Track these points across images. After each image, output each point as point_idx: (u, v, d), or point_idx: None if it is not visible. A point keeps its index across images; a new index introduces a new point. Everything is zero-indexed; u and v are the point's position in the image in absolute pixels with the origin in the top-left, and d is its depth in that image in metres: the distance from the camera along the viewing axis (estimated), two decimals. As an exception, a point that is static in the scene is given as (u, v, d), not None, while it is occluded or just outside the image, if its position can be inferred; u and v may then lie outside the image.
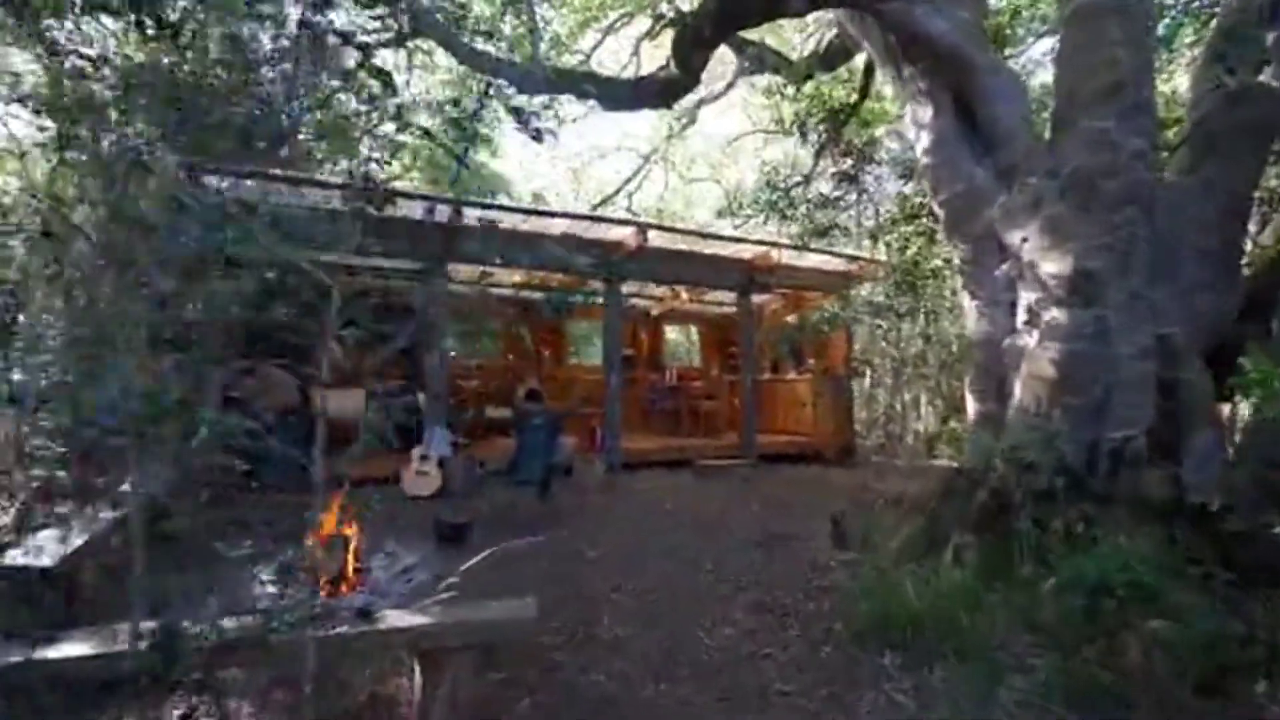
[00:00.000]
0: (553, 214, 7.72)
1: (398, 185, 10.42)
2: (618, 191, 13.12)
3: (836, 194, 5.69)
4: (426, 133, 8.41)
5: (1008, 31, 8.06)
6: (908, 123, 4.94)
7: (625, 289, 8.73)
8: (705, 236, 8.18)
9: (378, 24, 8.62)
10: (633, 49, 9.45)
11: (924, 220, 5.97)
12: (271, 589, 3.81)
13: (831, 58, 6.33)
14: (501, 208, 7.07)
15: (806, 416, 9.08)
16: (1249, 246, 4.65)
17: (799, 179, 7.12)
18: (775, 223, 7.80)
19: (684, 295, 10.62)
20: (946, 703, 2.52)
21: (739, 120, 13.61)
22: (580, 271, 7.96)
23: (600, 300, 7.97)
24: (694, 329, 13.48)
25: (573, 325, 11.70)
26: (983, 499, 3.52)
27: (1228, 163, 3.91)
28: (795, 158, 10.09)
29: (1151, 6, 4.46)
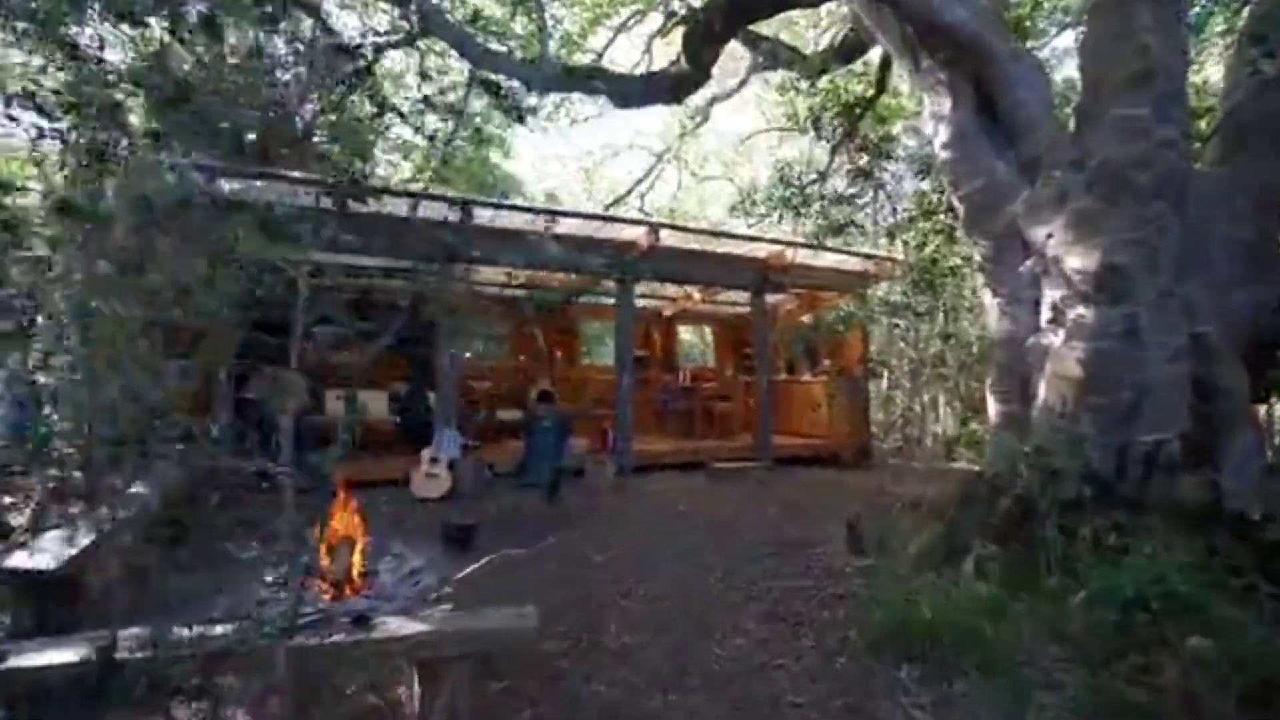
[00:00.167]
0: (563, 213, 7.66)
1: (412, 187, 10.46)
2: (630, 191, 13.04)
3: (852, 191, 5.54)
4: (432, 138, 8.41)
5: (1028, 24, 7.86)
6: (925, 116, 4.81)
7: (638, 289, 8.65)
8: (718, 235, 8.07)
9: (388, 25, 8.65)
10: (644, 47, 9.37)
11: (942, 217, 5.81)
12: (276, 593, 3.79)
13: (847, 51, 6.20)
14: (511, 207, 7.01)
15: (822, 418, 8.93)
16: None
17: (814, 176, 6.99)
18: (789, 221, 7.67)
19: (697, 295, 10.51)
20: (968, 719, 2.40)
21: (753, 118, 13.49)
22: (591, 272, 7.90)
23: (602, 299, 7.90)
24: (708, 330, 13.36)
25: (586, 326, 11.64)
26: (1006, 505, 3.38)
27: (1261, 153, 3.73)
28: (810, 155, 9.95)
29: (1183, -9, 4.28)
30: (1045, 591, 2.88)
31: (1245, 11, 4.63)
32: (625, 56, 11.18)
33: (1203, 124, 4.96)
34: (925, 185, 6.10)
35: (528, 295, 7.70)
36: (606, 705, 2.60)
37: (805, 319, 10.57)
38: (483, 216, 6.77)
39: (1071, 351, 3.45)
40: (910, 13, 4.21)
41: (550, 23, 7.57)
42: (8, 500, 5.10)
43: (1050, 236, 3.66)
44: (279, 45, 9.31)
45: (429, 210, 6.61)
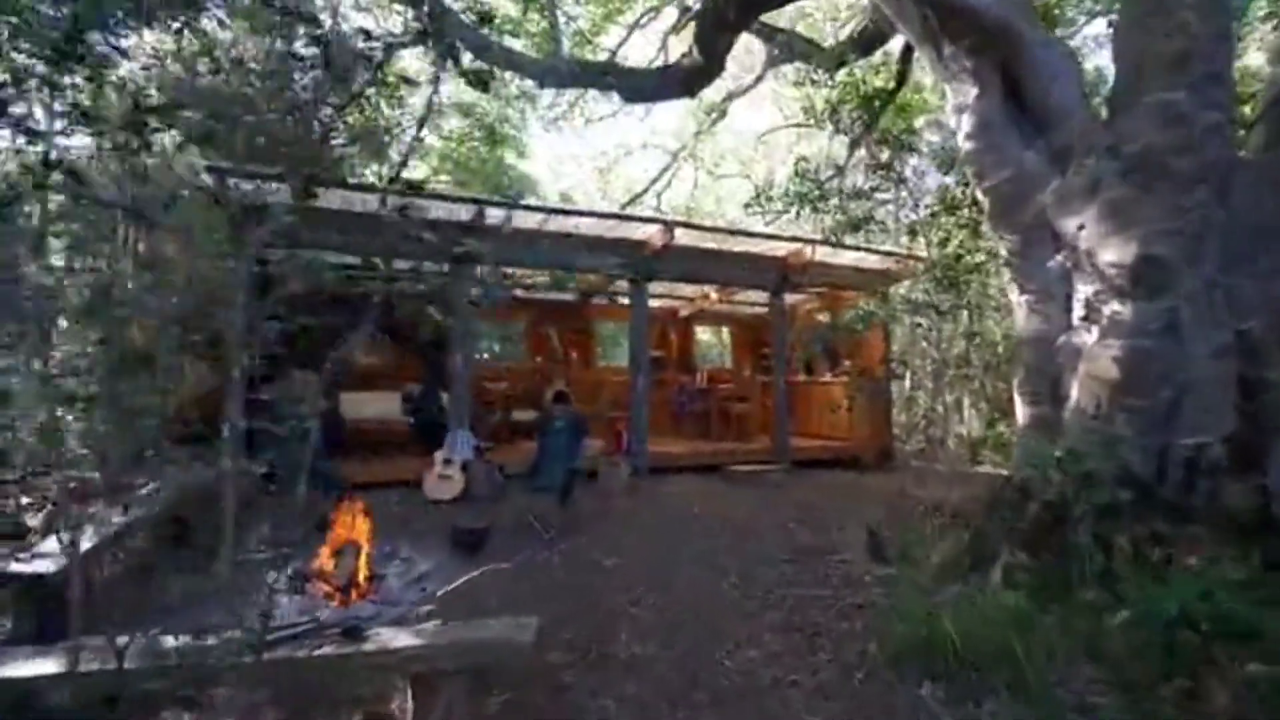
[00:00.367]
0: (577, 213, 7.57)
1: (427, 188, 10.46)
2: (646, 190, 12.91)
3: (871, 185, 5.36)
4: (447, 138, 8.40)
5: (1056, 12, 7.59)
6: (949, 107, 4.62)
7: (654, 289, 8.52)
8: (735, 234, 7.90)
9: (401, 26, 8.65)
10: (659, 44, 9.25)
11: (966, 211, 5.60)
12: (282, 597, 3.75)
13: (866, 42, 6.01)
14: (524, 207, 6.94)
15: (842, 420, 8.71)
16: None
17: (832, 171, 6.80)
18: (807, 217, 7.49)
19: (714, 295, 10.35)
20: (997, 744, 2.24)
21: (770, 114, 13.29)
22: (603, 271, 7.80)
23: (618, 299, 7.77)
24: (725, 330, 13.19)
25: (601, 326, 11.56)
26: (1035, 511, 3.20)
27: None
28: (829, 152, 9.74)
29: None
30: (1079, 605, 2.70)
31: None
32: (640, 55, 11.07)
33: (1246, 110, 4.69)
34: (949, 179, 5.89)
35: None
36: (611, 721, 2.49)
37: (824, 318, 10.36)
38: (495, 217, 6.71)
39: (1106, 350, 3.26)
40: (932, -2, 4.04)
41: (563, 20, 7.50)
42: (25, 500, 5.16)
43: (1082, 228, 3.46)
44: (297, 48, 9.38)
45: (440, 211, 6.56)
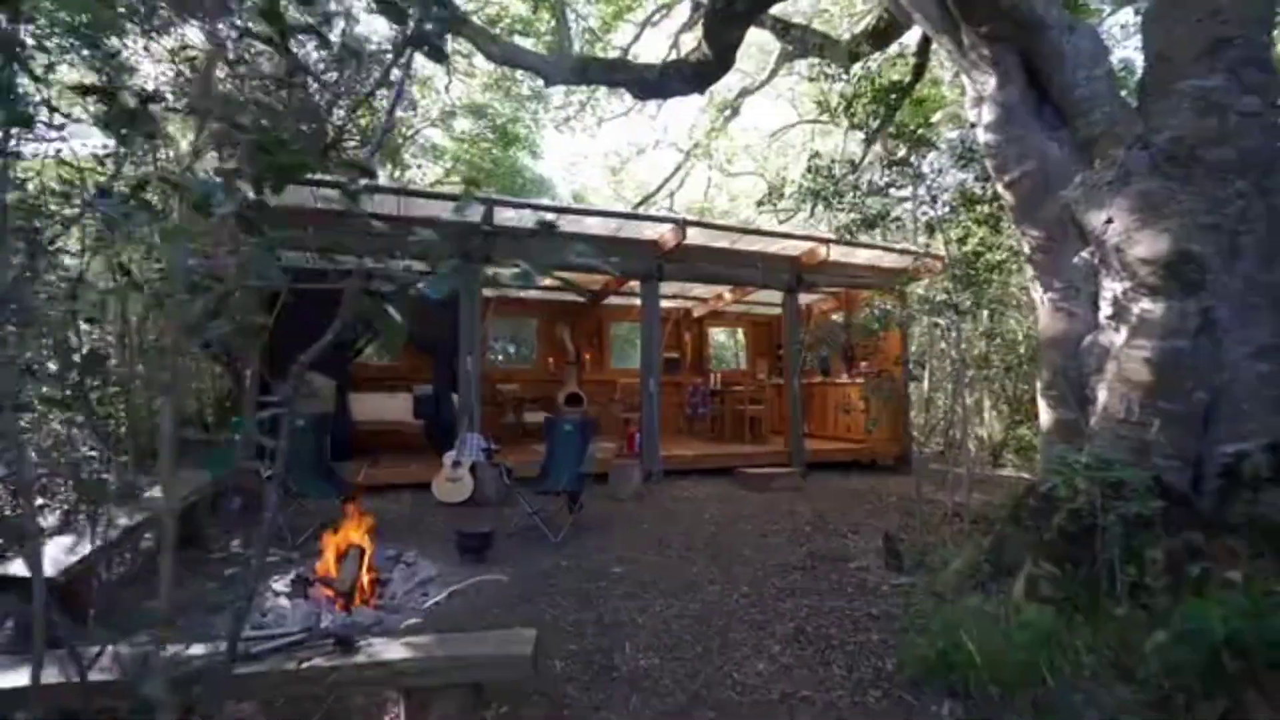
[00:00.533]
0: (587, 212, 7.49)
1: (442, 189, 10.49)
2: (659, 189, 12.81)
3: (888, 181, 5.21)
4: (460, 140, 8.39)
5: (1081, 1, 7.37)
6: (967, 100, 4.45)
7: (666, 289, 8.42)
8: (748, 232, 7.78)
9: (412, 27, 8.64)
10: (671, 42, 9.15)
11: (986, 207, 5.42)
12: (284, 601, 3.70)
13: (882, 35, 5.85)
14: (533, 206, 6.88)
15: (858, 422, 8.55)
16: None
17: (847, 166, 6.64)
18: (821, 214, 7.34)
19: (728, 295, 10.23)
20: (1021, 770, 2.10)
21: (785, 112, 13.13)
22: (611, 272, 7.71)
23: (631, 300, 7.67)
24: (740, 331, 13.05)
25: (615, 327, 11.48)
26: (1060, 521, 3.04)
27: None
28: (845, 149, 9.57)
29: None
30: (1109, 620, 2.55)
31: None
32: (652, 53, 10.99)
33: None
34: (968, 174, 5.72)
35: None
36: (612, 738, 2.39)
37: (840, 318, 10.18)
38: (506, 217, 6.65)
39: (1137, 351, 3.09)
40: (950, -16, 3.88)
41: (572, 18, 7.42)
42: (40, 502, 5.18)
43: (1110, 222, 3.29)
44: (310, 51, 9.45)
45: (449, 212, 6.52)
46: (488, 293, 8.20)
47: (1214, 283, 3.01)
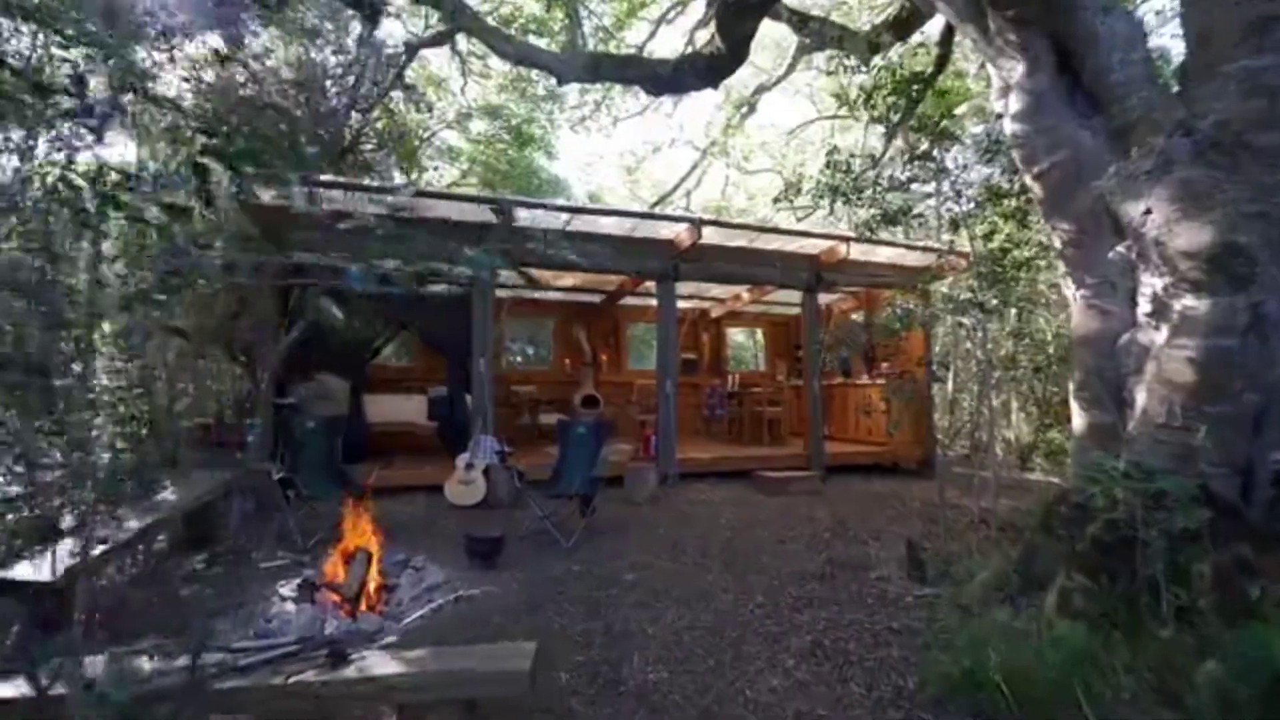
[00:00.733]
0: (602, 211, 7.40)
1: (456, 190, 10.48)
2: (675, 189, 12.68)
3: (909, 176, 5.01)
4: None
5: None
6: (993, 90, 4.26)
7: (683, 290, 8.30)
8: (765, 231, 7.62)
9: (423, 27, 8.64)
10: (686, 40, 9.03)
11: (1013, 201, 5.20)
12: (290, 606, 3.65)
13: (903, 25, 5.67)
14: (547, 205, 6.80)
15: (879, 424, 8.33)
16: None
17: (867, 161, 6.46)
18: (840, 212, 7.15)
19: (746, 296, 10.06)
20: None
21: (803, 108, 12.92)
22: (626, 272, 7.62)
23: (649, 300, 7.56)
24: (759, 331, 12.87)
25: (632, 328, 11.39)
26: (1095, 531, 2.86)
27: None
28: (865, 144, 9.35)
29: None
30: (1152, 641, 2.37)
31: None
32: (667, 52, 10.87)
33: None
34: (993, 169, 5.50)
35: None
36: (616, 758, 2.28)
37: (860, 318, 9.95)
38: (520, 218, 6.59)
39: (1180, 350, 2.89)
40: (975, -33, 3.71)
41: (586, 16, 7.34)
42: (56, 502, 5.23)
43: (1149, 213, 3.09)
44: (327, 56, 9.53)
45: (467, 213, 6.47)
46: (502, 293, 8.16)
47: (1263, 276, 2.80)
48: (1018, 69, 3.84)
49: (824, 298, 9.25)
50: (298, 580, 3.76)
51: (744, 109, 10.08)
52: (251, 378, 6.66)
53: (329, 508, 4.78)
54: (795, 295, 8.24)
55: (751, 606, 3.58)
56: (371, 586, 3.69)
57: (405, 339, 9.22)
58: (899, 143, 6.93)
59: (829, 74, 7.12)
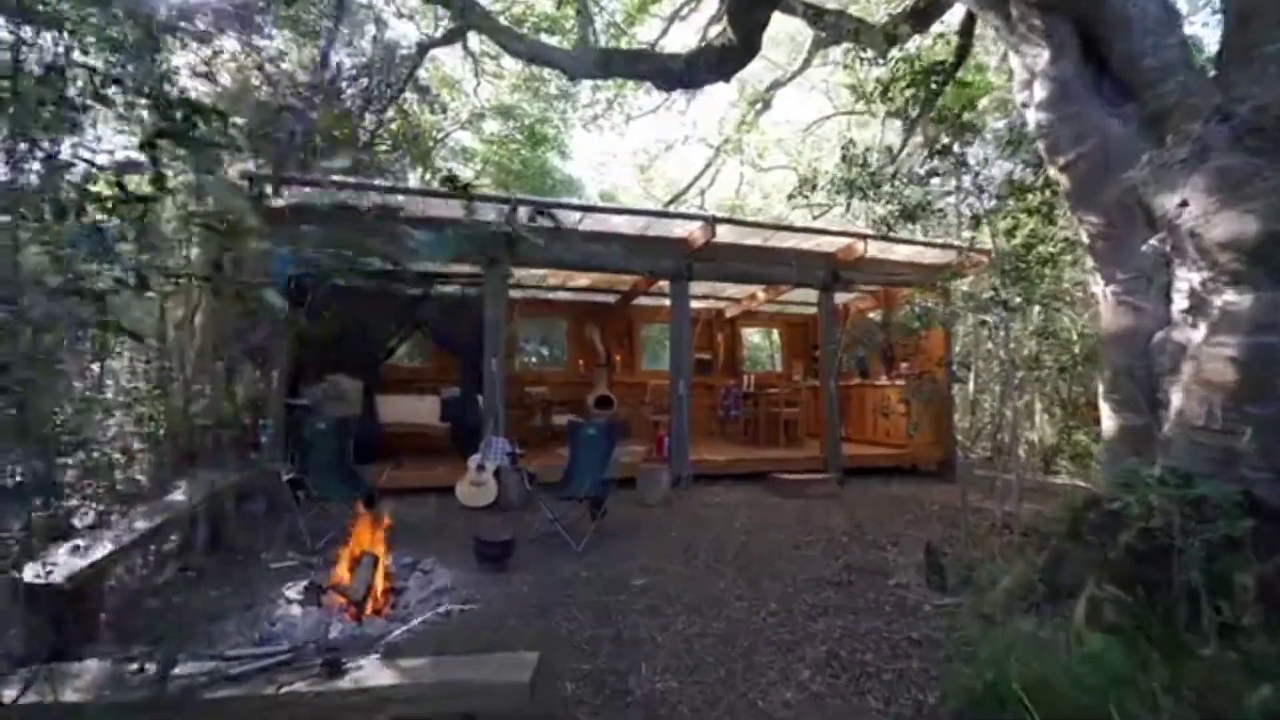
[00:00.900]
0: (613, 210, 7.32)
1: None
2: (689, 187, 12.56)
3: (928, 170, 4.86)
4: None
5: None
6: (1015, 82, 4.11)
7: (697, 289, 8.20)
8: (780, 229, 7.49)
9: (434, 27, 8.64)
10: (700, 36, 8.92)
11: (1036, 196, 5.02)
12: (295, 609, 3.61)
13: (921, 15, 5.51)
14: (559, 205, 6.74)
15: (898, 425, 8.15)
16: None
17: (884, 156, 6.30)
18: (857, 208, 7.00)
19: (761, 295, 9.93)
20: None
21: (820, 104, 12.73)
22: (645, 272, 7.54)
23: (663, 300, 7.47)
24: (774, 331, 12.71)
25: (646, 328, 11.31)
26: (1128, 539, 2.71)
27: None
28: (883, 140, 9.16)
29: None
30: (1192, 658, 2.22)
31: None
32: (680, 50, 10.78)
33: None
34: (1016, 164, 5.33)
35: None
36: (621, 774, 2.20)
37: (879, 317, 9.77)
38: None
39: (1219, 348, 2.73)
40: (997, -49, 3.57)
41: (596, 11, 7.27)
42: (73, 502, 5.28)
43: (1185, 204, 2.94)
44: (343, 57, 9.58)
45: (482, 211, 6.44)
46: (514, 294, 8.12)
47: (1310, 269, 2.63)
48: (1042, 56, 3.69)
49: (841, 297, 9.09)
50: (304, 583, 3.73)
51: (758, 105, 9.94)
52: (265, 378, 6.69)
53: (339, 509, 4.77)
54: (811, 294, 8.10)
55: (765, 614, 3.47)
56: (378, 590, 3.64)
57: (418, 339, 9.22)
58: (918, 137, 6.76)
59: (845, 68, 6.97)
